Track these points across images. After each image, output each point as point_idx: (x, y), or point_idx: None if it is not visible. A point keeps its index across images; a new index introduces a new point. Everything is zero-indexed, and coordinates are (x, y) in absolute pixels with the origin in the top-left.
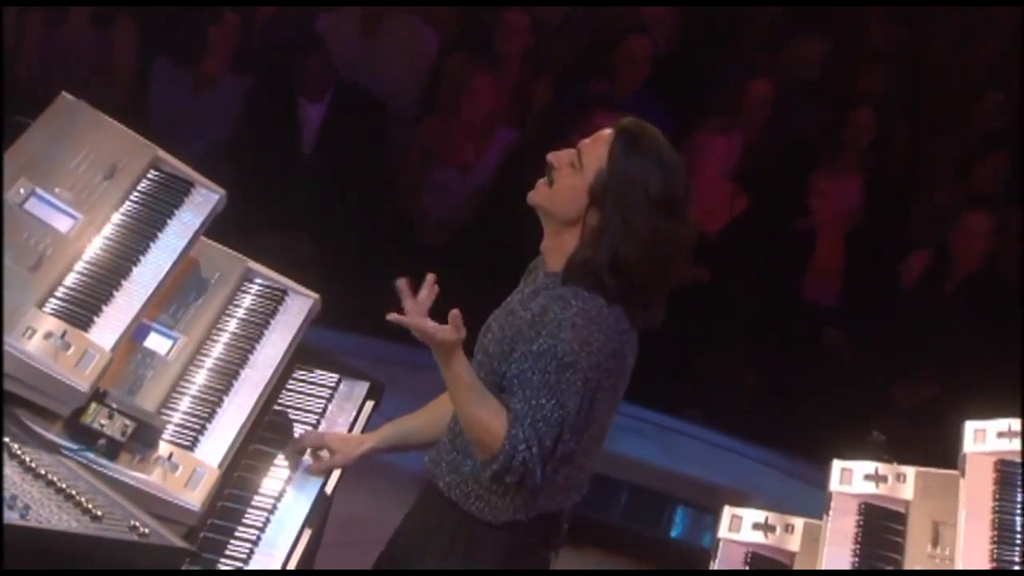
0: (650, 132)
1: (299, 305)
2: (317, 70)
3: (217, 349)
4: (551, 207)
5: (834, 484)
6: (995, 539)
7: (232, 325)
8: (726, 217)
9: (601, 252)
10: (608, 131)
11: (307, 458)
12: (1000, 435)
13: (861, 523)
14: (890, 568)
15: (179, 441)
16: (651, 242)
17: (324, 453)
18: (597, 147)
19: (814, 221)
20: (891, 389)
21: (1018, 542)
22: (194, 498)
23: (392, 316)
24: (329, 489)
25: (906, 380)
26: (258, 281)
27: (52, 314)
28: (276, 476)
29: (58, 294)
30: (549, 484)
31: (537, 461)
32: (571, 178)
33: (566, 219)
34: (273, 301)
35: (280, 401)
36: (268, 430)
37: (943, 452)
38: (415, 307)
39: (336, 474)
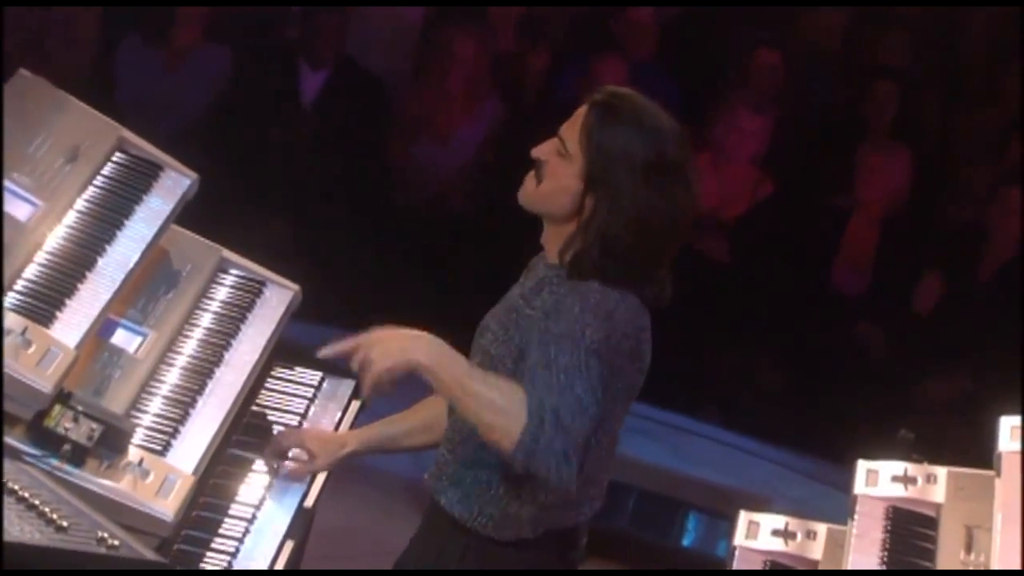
0: (628, 98)
1: (278, 297)
2: (330, 32)
3: (190, 346)
4: (545, 206)
5: (859, 487)
6: None
7: (206, 320)
8: (747, 203)
9: (589, 238)
10: (583, 108)
11: (287, 462)
12: None
13: (889, 528)
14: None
15: (150, 446)
16: (642, 216)
17: (303, 455)
18: (575, 128)
19: (853, 199)
20: (920, 384)
21: None
22: (167, 507)
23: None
24: (312, 498)
25: (936, 374)
26: (233, 272)
27: (11, 309)
28: (255, 483)
29: (17, 288)
30: (566, 488)
31: (561, 430)
32: (560, 168)
33: (564, 214)
34: (250, 293)
35: (259, 402)
36: (246, 433)
37: (977, 451)
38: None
39: (319, 483)
